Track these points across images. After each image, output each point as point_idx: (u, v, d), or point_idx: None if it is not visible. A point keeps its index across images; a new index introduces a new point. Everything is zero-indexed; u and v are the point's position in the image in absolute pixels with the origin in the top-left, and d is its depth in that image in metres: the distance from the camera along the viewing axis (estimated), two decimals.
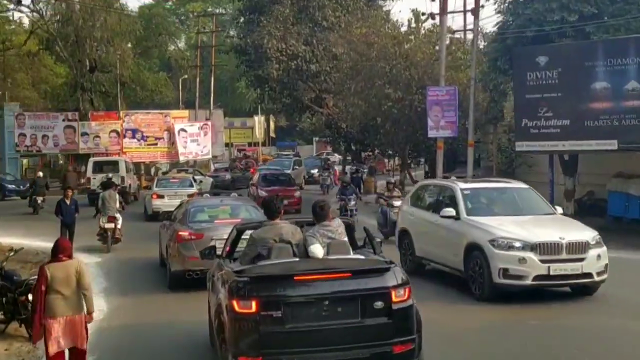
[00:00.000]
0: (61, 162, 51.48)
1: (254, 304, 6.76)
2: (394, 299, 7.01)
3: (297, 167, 39.82)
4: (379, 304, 6.97)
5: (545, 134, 21.30)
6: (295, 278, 6.98)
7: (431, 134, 25.44)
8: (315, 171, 41.33)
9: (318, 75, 34.45)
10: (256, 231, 8.13)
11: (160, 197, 26.52)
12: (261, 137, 67.95)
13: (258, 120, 66.67)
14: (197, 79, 56.40)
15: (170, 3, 77.52)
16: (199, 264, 12.10)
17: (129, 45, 53.93)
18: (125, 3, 50.25)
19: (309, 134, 75.89)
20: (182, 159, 47.93)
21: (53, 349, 7.81)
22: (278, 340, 6.81)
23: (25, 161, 51.13)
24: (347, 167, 38.44)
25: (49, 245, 9.30)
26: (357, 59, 29.92)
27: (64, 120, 45.99)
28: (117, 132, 46.36)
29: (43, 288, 7.79)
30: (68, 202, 18.53)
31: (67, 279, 7.86)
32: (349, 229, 8.57)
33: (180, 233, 13.62)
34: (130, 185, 35.24)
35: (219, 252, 9.21)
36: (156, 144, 47.42)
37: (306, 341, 6.85)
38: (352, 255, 7.99)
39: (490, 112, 24.10)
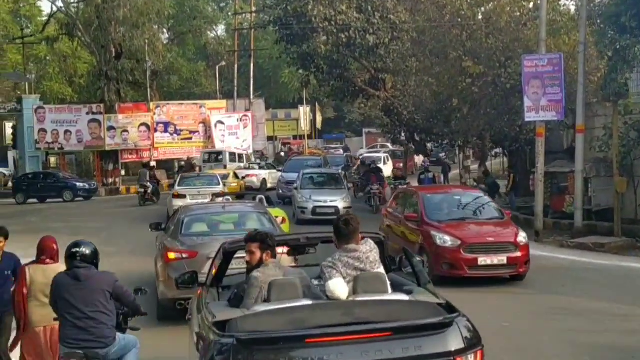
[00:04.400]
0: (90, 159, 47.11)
1: None
2: None
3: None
4: None
5: None
6: (307, 340, 4.62)
7: (529, 117, 19.54)
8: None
9: (375, 50, 28.63)
10: (257, 272, 5.68)
11: (181, 196, 23.04)
12: (307, 129, 62.84)
13: (303, 111, 61.65)
14: (235, 65, 51.41)
15: None
16: (192, 291, 8.10)
17: (159, 28, 49.21)
18: None
19: (358, 126, 71.27)
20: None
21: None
22: None
23: (52, 159, 47.09)
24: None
25: None
26: (424, 27, 24.23)
27: (88, 113, 42.15)
28: (148, 126, 42.31)
29: (25, 291, 7.09)
30: None
31: (47, 285, 6.71)
32: (381, 247, 6.09)
33: (168, 250, 10.91)
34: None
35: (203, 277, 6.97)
36: (190, 138, 43.73)
37: None
38: (391, 296, 5.52)
39: (609, 86, 18.16)
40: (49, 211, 30.65)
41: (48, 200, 35.52)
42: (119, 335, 6.45)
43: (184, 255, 10.59)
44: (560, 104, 19.02)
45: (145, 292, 7.30)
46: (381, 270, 5.71)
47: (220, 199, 19.01)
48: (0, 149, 56.10)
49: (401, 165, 43.39)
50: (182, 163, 38.65)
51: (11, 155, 51.81)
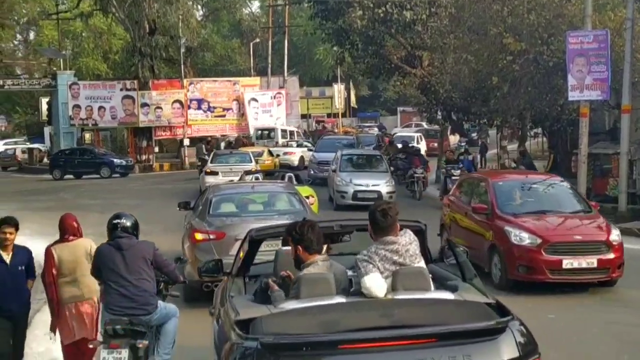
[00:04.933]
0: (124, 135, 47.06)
1: None
2: None
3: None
4: None
5: None
6: (340, 346, 4.08)
7: (573, 96, 18.82)
8: None
9: (412, 26, 27.97)
10: (306, 270, 5.05)
11: (214, 173, 23.26)
12: (341, 107, 62.24)
13: (337, 89, 61.11)
14: (270, 42, 50.92)
15: None
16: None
17: (193, 4, 48.95)
18: None
19: (392, 104, 70.50)
20: (252, 132, 43.24)
21: (66, 339, 7.19)
22: None
23: (87, 136, 47.27)
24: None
25: None
26: (464, 3, 23.50)
27: (121, 89, 42.15)
28: (181, 103, 42.12)
29: (54, 272, 7.10)
30: (7, 258, 7.25)
31: (75, 262, 7.12)
32: (421, 236, 5.54)
33: (195, 231, 10.77)
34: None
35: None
36: (224, 115, 43.57)
37: None
38: (434, 294, 4.88)
39: None
40: (84, 187, 30.75)
41: (85, 176, 35.68)
42: (160, 303, 6.79)
43: (212, 237, 10.38)
44: (606, 82, 18.28)
45: (185, 260, 8.02)
46: (422, 264, 5.17)
47: (249, 177, 18.80)
48: (37, 125, 56.77)
49: (436, 145, 42.48)
50: (232, 140, 39.38)
51: (47, 131, 52.26)
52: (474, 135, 40.08)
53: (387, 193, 20.62)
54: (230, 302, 5.10)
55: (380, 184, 20.95)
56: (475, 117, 27.94)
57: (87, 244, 7.26)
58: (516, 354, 4.16)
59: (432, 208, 19.50)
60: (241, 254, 6.18)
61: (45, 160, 45.70)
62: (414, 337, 4.13)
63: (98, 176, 35.44)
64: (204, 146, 33.06)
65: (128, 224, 6.83)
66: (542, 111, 22.96)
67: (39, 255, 7.76)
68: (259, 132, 40.08)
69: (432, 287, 5.05)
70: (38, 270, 7.73)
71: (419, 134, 43.23)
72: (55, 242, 7.30)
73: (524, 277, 10.90)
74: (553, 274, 10.69)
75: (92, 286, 7.13)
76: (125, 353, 6.34)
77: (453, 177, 20.61)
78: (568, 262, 10.64)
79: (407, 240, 5.06)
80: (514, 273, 10.95)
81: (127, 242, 6.66)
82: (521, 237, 10.96)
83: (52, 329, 7.33)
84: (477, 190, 13.30)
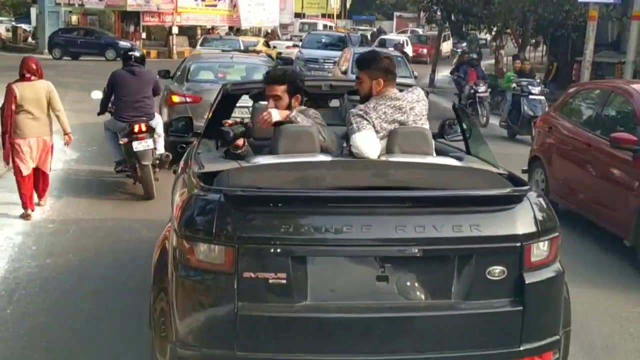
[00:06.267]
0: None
1: (227, 253, 3.20)
2: (529, 260, 3.42)
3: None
4: (496, 272, 3.33)
5: None
6: (322, 205, 3.35)
7: None
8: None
9: None
10: (298, 116, 4.34)
11: None
12: (336, 8, 60.59)
13: None
14: None
15: None
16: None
17: None
18: None
19: (389, 9, 68.86)
20: (244, 25, 42.17)
21: (24, 171, 7.86)
22: (278, 337, 3.22)
23: (74, 18, 45.70)
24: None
25: None
26: None
27: None
28: None
29: (13, 107, 7.73)
30: None
31: (37, 100, 7.84)
32: None
33: (172, 94, 11.19)
34: None
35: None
36: (215, 5, 42.23)
37: (336, 342, 3.21)
38: (437, 159, 4.24)
39: None
40: (71, 67, 29.80)
41: (88, 57, 34.69)
42: (157, 114, 9.38)
43: (188, 100, 10.76)
44: None
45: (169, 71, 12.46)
46: (427, 126, 4.38)
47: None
48: (24, 4, 54.89)
49: (424, 51, 41.06)
50: (269, 31, 41.30)
51: (33, 10, 50.61)
52: (464, 45, 38.26)
53: None
54: (196, 158, 4.39)
55: None
56: (476, 20, 26.97)
57: (47, 84, 8.00)
58: (533, 229, 3.46)
59: (497, 138, 14.96)
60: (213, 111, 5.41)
61: (30, 40, 44.25)
62: (413, 200, 3.42)
63: (103, 58, 34.50)
64: (232, 35, 33.55)
65: (138, 54, 9.28)
66: (545, 17, 22.12)
67: None
68: (301, 25, 45.89)
69: (434, 154, 4.40)
70: None
71: (404, 38, 40.27)
72: (16, 81, 7.91)
73: None
74: None
75: (51, 124, 8.11)
76: (150, 141, 8.70)
77: (530, 97, 15.39)
78: None
79: (414, 98, 4.35)
80: None
81: (139, 70, 9.01)
82: None
83: (6, 158, 8.09)
84: (607, 110, 8.25)
